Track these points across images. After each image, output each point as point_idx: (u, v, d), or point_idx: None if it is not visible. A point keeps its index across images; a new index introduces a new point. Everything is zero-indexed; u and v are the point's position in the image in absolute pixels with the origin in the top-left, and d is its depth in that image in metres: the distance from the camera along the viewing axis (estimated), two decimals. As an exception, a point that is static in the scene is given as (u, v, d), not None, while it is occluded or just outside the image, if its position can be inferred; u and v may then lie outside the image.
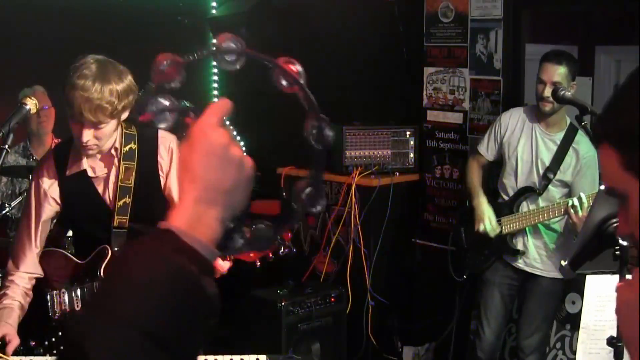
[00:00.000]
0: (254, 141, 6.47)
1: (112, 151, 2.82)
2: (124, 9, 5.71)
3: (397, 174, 5.05)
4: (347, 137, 5.00)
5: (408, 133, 5.10)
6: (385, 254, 4.93)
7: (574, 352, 3.61)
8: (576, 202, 3.72)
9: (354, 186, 4.91)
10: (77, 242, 3.12)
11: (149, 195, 2.88)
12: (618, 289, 1.15)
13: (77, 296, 2.90)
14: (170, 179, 2.89)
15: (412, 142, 5.10)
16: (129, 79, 2.67)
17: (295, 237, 5.17)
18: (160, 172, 2.89)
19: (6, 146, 2.60)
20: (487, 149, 4.28)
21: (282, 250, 2.63)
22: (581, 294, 2.76)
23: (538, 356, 4.17)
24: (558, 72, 3.89)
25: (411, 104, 5.21)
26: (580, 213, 3.70)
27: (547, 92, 3.85)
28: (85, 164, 2.84)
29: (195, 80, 6.56)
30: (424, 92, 5.16)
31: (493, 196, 4.26)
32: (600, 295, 2.65)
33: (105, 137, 2.70)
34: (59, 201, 2.89)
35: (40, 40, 5.30)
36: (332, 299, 4.70)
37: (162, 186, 2.90)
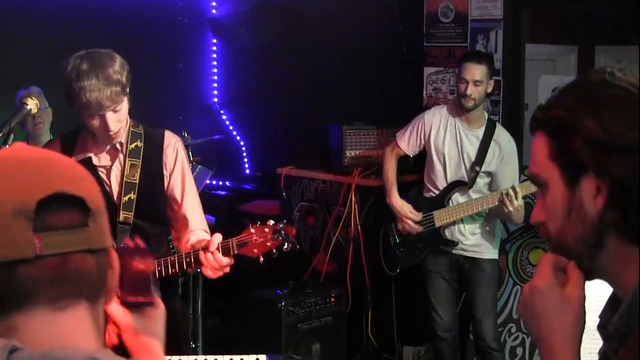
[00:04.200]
0: (254, 141, 6.47)
1: (117, 145, 2.83)
2: (124, 8, 5.71)
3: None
4: (347, 137, 5.00)
5: (408, 133, 5.10)
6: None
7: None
8: (511, 192, 3.86)
9: (354, 186, 4.91)
10: None
11: (152, 193, 2.89)
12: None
13: None
14: (173, 179, 2.91)
15: (412, 142, 5.09)
16: (115, 56, 2.70)
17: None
18: (165, 172, 2.90)
19: (7, 146, 2.60)
20: (407, 144, 4.38)
21: (285, 246, 2.59)
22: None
23: (498, 344, 4.28)
24: (479, 71, 4.05)
25: (411, 104, 5.21)
26: (515, 202, 3.85)
27: (470, 90, 4.03)
28: (91, 151, 2.85)
29: (196, 82, 6.56)
30: (424, 92, 5.17)
31: (419, 188, 4.39)
32: (599, 294, 2.65)
33: (124, 116, 2.74)
34: None
35: (39, 41, 5.29)
36: (332, 299, 4.70)
37: (165, 185, 2.91)
